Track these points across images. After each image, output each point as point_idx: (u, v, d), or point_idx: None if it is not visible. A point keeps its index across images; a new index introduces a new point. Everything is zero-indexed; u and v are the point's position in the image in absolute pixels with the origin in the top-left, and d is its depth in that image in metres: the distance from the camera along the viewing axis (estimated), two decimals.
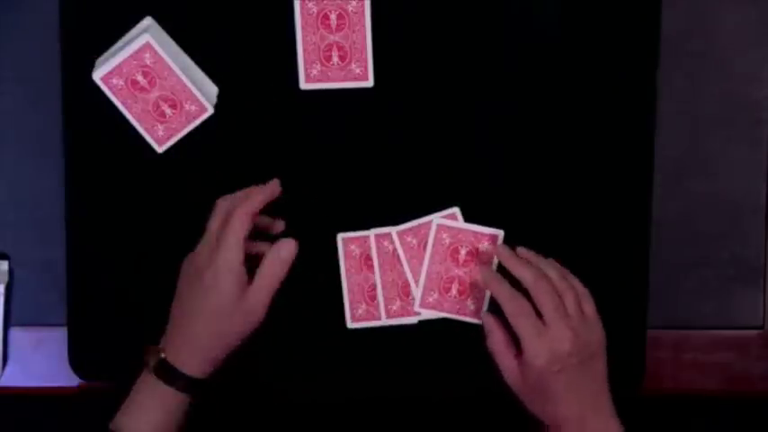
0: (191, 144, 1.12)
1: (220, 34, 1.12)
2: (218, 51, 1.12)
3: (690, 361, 1.17)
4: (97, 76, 1.09)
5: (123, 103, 1.10)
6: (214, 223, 1.04)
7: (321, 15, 1.10)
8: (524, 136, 1.13)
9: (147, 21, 1.11)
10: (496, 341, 1.04)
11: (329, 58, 1.10)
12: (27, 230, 1.16)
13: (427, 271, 1.10)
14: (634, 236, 1.14)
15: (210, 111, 1.11)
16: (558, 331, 1.01)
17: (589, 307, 1.04)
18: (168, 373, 1.02)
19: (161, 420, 1.02)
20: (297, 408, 1.15)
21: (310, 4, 1.09)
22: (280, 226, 1.10)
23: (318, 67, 1.11)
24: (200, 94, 1.10)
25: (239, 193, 1.05)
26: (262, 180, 1.11)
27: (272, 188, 1.05)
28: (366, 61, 1.10)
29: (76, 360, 1.15)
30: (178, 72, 1.09)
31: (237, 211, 1.02)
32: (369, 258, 1.11)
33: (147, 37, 1.08)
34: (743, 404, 1.19)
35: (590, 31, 1.12)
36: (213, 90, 1.12)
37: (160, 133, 1.11)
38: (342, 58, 1.10)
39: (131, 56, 1.08)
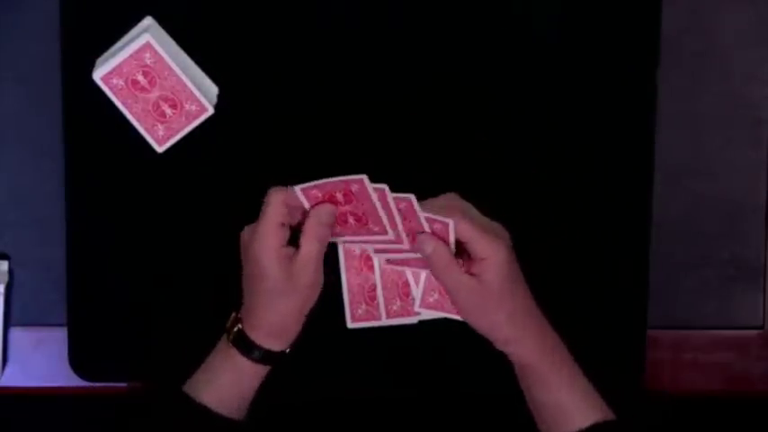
0: (191, 144, 1.12)
1: (220, 34, 1.12)
2: (218, 51, 1.12)
3: (690, 361, 1.17)
4: (97, 75, 1.09)
5: (123, 103, 1.10)
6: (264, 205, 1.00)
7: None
8: (524, 136, 1.13)
9: (148, 20, 1.11)
10: (444, 257, 0.99)
11: None
12: (27, 230, 1.16)
13: (427, 271, 1.09)
14: (634, 236, 1.14)
15: (210, 111, 1.11)
16: (497, 226, 1.00)
17: None
18: (245, 345, 1.01)
19: (235, 387, 1.01)
20: (297, 407, 1.15)
21: None
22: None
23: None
24: (201, 94, 1.10)
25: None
26: (261, 180, 1.11)
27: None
28: None
29: (76, 360, 1.15)
30: (178, 72, 1.09)
31: (273, 197, 0.99)
32: (369, 258, 1.11)
33: (147, 37, 1.08)
34: (743, 404, 1.19)
35: (590, 31, 1.12)
36: (213, 90, 1.12)
37: (160, 133, 1.11)
38: None
39: (131, 56, 1.08)
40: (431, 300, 1.10)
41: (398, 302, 1.11)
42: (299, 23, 1.12)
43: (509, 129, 1.13)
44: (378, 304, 1.12)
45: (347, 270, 1.12)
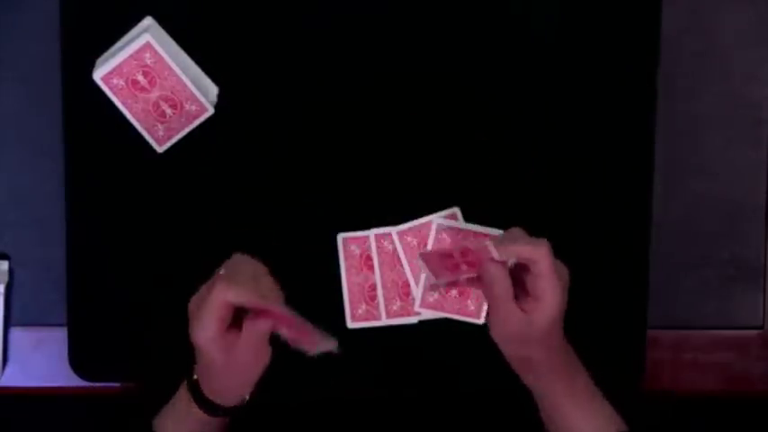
0: (191, 144, 1.12)
1: (220, 34, 1.12)
2: (218, 51, 1.12)
3: (689, 361, 1.17)
4: (97, 75, 1.09)
5: (123, 103, 1.10)
6: (204, 287, 0.98)
7: None
8: (524, 136, 1.13)
9: (148, 20, 1.11)
10: (506, 288, 0.98)
11: None
12: (27, 230, 1.16)
13: (427, 271, 1.09)
14: (634, 236, 1.14)
15: (210, 111, 1.11)
16: (561, 266, 1.00)
17: None
18: (203, 402, 1.01)
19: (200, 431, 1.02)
20: (297, 408, 1.15)
21: None
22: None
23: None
24: (201, 94, 1.10)
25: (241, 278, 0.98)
26: (261, 180, 1.12)
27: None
28: None
29: (76, 360, 1.15)
30: (178, 72, 1.09)
31: (218, 295, 0.95)
32: (369, 258, 1.11)
33: (147, 37, 1.08)
34: (743, 404, 1.19)
35: (590, 31, 1.12)
36: (213, 90, 1.12)
37: (160, 133, 1.11)
38: None
39: (131, 56, 1.08)
40: (431, 300, 1.10)
41: (398, 302, 1.12)
42: (299, 24, 1.12)
43: (509, 129, 1.13)
44: (378, 304, 1.12)
45: (347, 270, 1.12)
